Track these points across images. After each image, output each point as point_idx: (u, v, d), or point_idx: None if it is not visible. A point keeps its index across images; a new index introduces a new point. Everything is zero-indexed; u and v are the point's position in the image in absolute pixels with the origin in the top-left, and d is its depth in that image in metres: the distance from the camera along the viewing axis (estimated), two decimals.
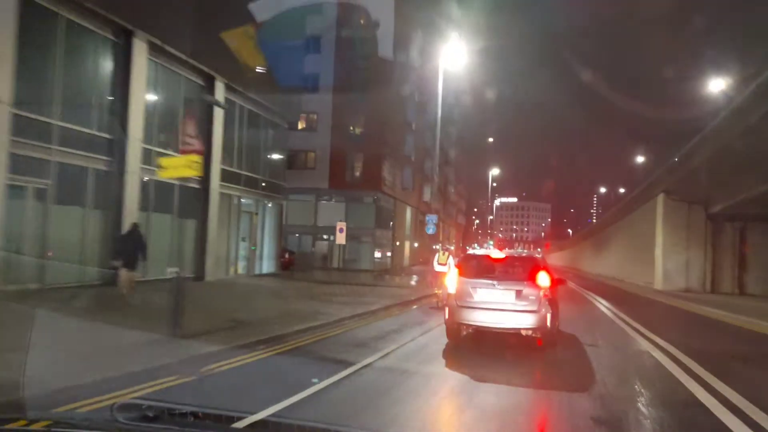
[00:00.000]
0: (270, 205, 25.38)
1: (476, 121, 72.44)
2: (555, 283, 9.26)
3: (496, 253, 10.05)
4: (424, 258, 65.03)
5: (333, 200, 39.59)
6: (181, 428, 2.00)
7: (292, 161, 39.93)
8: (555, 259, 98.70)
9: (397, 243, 46.01)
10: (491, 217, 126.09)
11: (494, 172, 56.13)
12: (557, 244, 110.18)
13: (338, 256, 39.58)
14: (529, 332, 8.81)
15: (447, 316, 9.24)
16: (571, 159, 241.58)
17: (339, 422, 4.40)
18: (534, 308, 8.60)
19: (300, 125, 40.06)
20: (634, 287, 33.47)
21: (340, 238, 23.21)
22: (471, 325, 9.13)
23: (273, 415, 4.29)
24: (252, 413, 2.50)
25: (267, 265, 24.89)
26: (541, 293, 8.69)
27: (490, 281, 8.97)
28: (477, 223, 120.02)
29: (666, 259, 29.95)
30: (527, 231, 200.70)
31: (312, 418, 2.39)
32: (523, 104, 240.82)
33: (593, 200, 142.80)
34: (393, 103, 40.40)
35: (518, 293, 8.75)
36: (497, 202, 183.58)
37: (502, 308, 8.70)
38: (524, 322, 8.67)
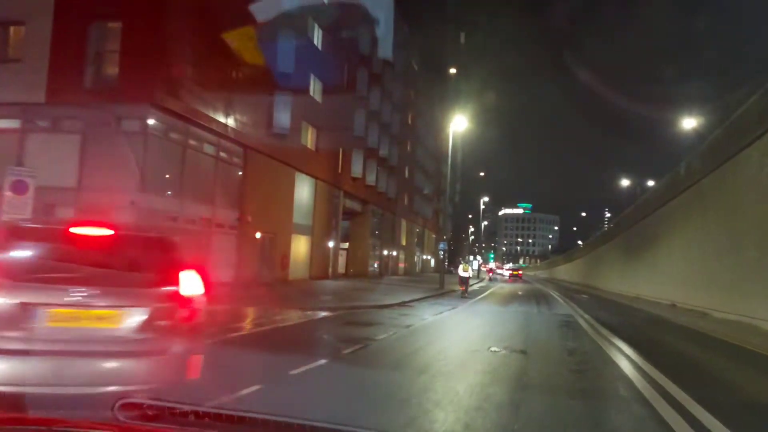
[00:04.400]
0: None
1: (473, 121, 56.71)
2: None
3: (85, 229, 4.20)
4: (356, 268, 40.25)
5: (59, 129, 18.18)
6: (182, 427, 2.02)
7: None
8: (561, 273, 77.01)
9: (258, 235, 24.17)
10: (485, 223, 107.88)
11: (461, 126, 33.75)
12: (564, 256, 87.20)
13: None
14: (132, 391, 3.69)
15: None
16: (578, 166, 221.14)
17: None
18: (160, 345, 3.95)
19: None
20: None
21: (14, 206, 8.49)
22: None
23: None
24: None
25: None
26: (179, 315, 4.05)
27: (63, 290, 3.79)
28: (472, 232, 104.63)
29: None
30: (532, 244, 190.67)
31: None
32: (528, 110, 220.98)
33: (604, 213, 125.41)
34: None
35: (133, 315, 3.90)
36: (500, 212, 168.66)
37: (86, 349, 3.80)
38: (127, 372, 3.90)
